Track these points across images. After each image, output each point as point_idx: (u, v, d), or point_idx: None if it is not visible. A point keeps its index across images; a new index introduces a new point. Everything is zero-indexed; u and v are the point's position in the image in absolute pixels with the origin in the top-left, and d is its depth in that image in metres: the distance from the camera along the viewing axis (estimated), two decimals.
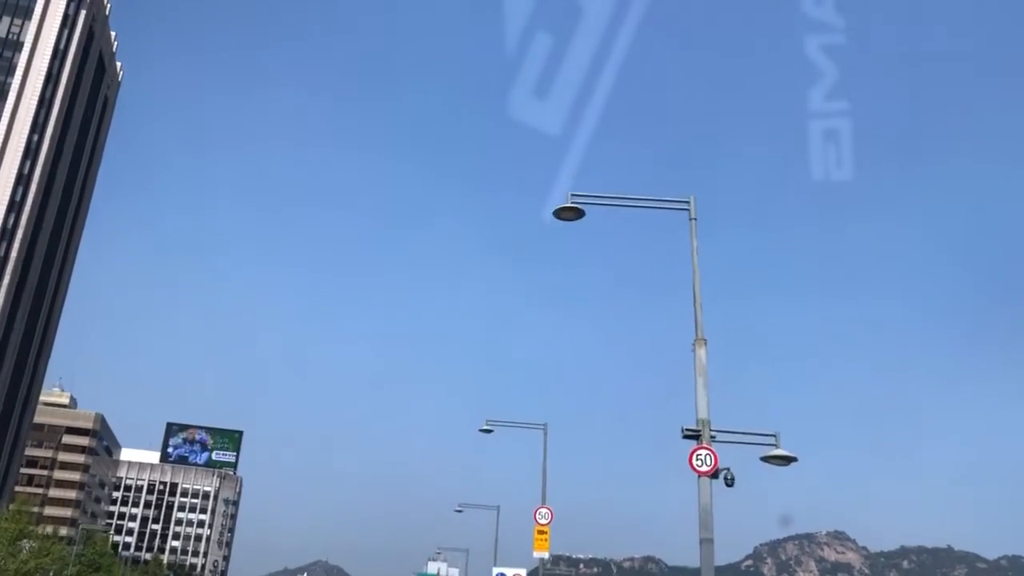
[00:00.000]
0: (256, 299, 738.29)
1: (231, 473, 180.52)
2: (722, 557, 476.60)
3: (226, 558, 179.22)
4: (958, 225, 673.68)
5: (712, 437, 15.96)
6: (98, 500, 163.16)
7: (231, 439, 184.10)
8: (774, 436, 17.05)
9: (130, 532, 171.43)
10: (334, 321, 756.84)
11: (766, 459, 17.00)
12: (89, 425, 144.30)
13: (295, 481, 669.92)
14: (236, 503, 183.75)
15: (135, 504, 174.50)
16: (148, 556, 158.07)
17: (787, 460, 16.99)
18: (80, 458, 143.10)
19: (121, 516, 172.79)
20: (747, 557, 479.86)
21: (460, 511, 56.68)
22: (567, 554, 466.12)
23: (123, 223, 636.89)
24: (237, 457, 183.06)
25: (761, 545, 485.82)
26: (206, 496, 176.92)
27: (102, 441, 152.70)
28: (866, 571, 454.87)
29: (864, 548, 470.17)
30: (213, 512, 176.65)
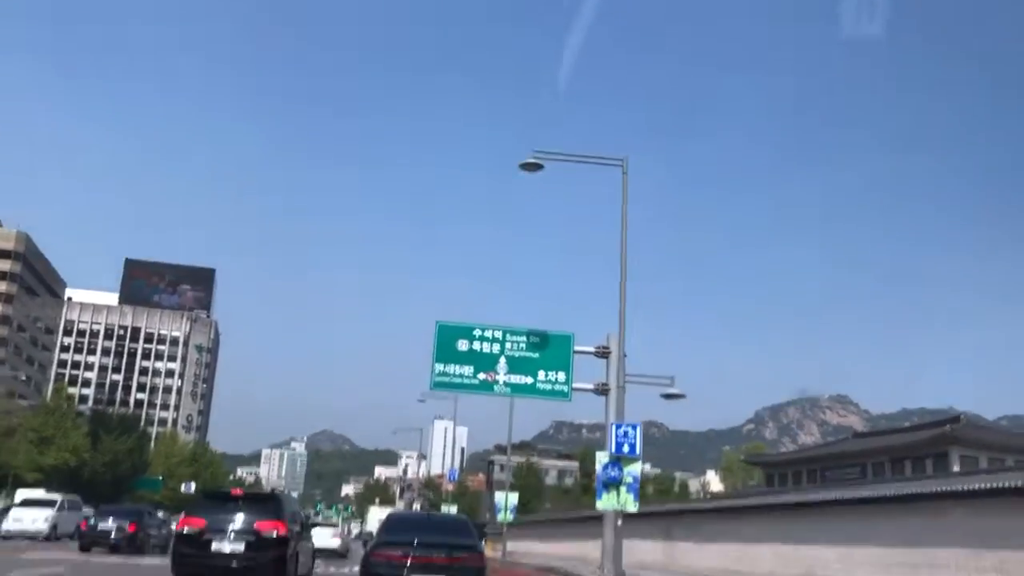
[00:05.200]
0: (236, 129, 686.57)
1: (203, 316, 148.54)
2: (723, 421, 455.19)
3: (202, 412, 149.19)
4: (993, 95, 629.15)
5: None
6: (45, 347, 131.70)
7: (201, 278, 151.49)
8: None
9: (87, 383, 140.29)
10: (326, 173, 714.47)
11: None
12: (10, 246, 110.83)
13: (295, 345, 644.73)
14: (212, 351, 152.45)
15: (91, 351, 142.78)
16: (105, 407, 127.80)
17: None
18: (1, 287, 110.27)
19: (76, 365, 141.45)
20: (748, 421, 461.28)
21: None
22: (569, 420, 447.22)
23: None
24: (210, 298, 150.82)
25: (763, 409, 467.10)
26: (175, 342, 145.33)
27: (35, 272, 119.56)
28: (849, 438, 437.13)
29: (866, 411, 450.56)
30: (184, 360, 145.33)
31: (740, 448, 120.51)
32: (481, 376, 24.93)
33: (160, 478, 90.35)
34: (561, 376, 25.14)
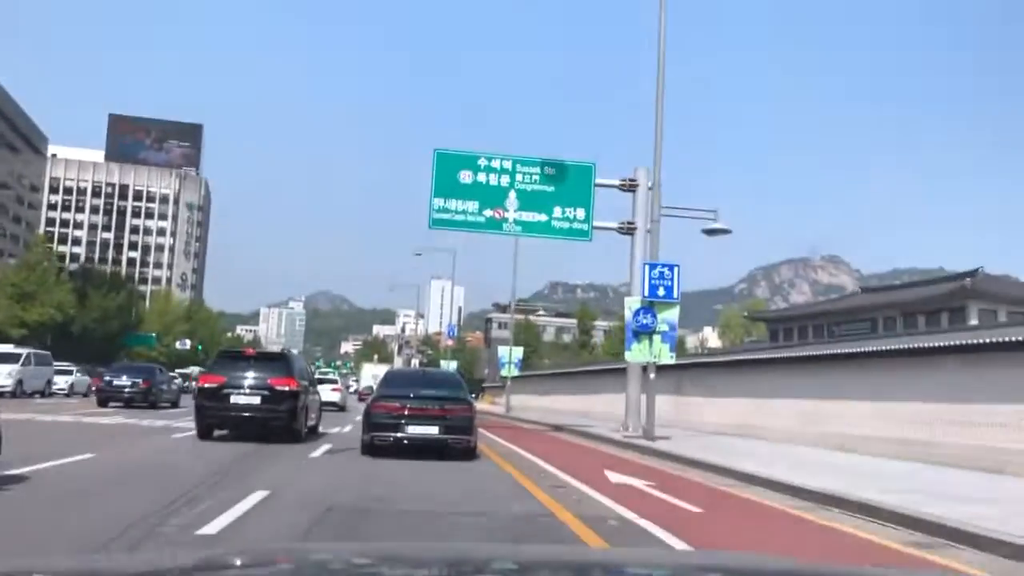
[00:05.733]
0: None
1: (193, 173, 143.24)
2: (715, 281, 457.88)
3: (196, 271, 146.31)
4: None
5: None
6: (32, 206, 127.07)
7: (189, 134, 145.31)
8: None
9: (77, 242, 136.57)
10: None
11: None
12: None
13: (290, 206, 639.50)
14: (203, 209, 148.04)
15: (79, 210, 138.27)
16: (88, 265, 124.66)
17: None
18: None
19: (64, 224, 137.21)
20: (741, 280, 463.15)
21: None
22: (564, 280, 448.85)
23: None
24: (199, 155, 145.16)
25: (756, 269, 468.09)
26: (164, 200, 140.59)
27: (14, 126, 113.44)
28: (858, 292, 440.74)
29: (857, 271, 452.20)
30: (175, 218, 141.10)
31: (732, 307, 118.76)
32: (487, 213, 21.32)
33: (154, 335, 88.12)
34: (580, 213, 21.55)
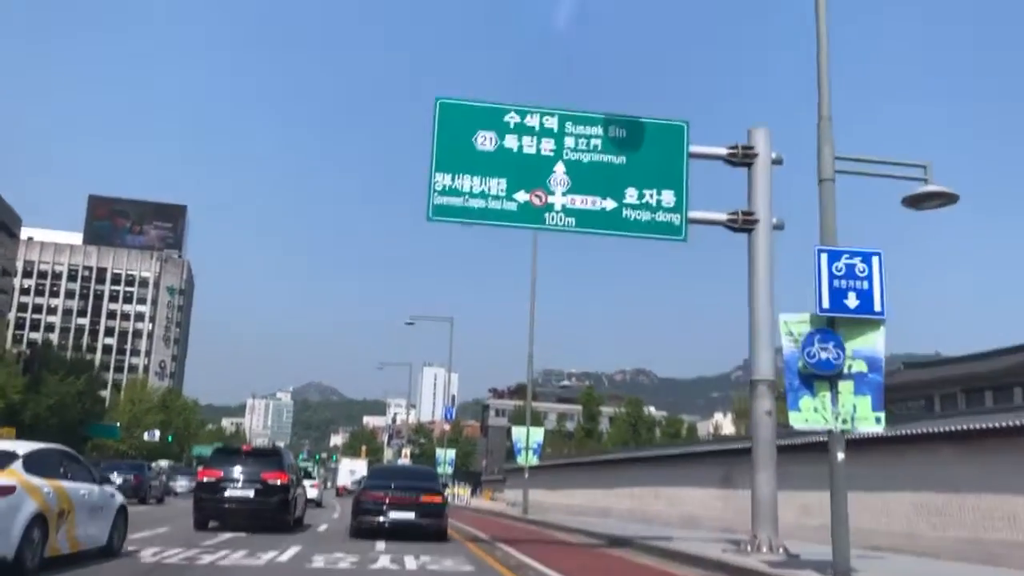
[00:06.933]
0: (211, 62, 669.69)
1: (175, 256, 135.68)
2: (711, 368, 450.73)
3: (176, 358, 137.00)
4: None
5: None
6: (3, 290, 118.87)
7: (172, 215, 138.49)
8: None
9: (50, 328, 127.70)
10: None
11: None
12: None
13: (280, 295, 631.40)
14: (185, 293, 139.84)
15: (54, 294, 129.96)
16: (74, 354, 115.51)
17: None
18: None
19: (37, 309, 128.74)
20: (737, 368, 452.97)
21: None
22: (558, 368, 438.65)
23: None
24: (181, 237, 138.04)
25: None
26: (144, 284, 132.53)
27: None
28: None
29: None
30: (155, 303, 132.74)
31: (731, 394, 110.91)
32: (521, 196, 13.21)
33: (117, 425, 78.83)
34: (667, 197, 13.46)
